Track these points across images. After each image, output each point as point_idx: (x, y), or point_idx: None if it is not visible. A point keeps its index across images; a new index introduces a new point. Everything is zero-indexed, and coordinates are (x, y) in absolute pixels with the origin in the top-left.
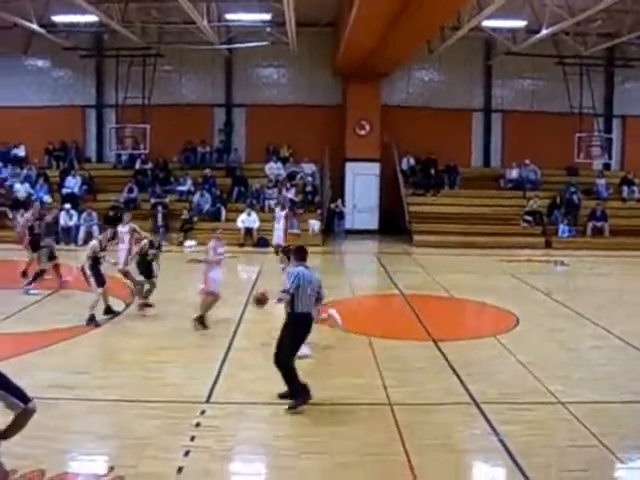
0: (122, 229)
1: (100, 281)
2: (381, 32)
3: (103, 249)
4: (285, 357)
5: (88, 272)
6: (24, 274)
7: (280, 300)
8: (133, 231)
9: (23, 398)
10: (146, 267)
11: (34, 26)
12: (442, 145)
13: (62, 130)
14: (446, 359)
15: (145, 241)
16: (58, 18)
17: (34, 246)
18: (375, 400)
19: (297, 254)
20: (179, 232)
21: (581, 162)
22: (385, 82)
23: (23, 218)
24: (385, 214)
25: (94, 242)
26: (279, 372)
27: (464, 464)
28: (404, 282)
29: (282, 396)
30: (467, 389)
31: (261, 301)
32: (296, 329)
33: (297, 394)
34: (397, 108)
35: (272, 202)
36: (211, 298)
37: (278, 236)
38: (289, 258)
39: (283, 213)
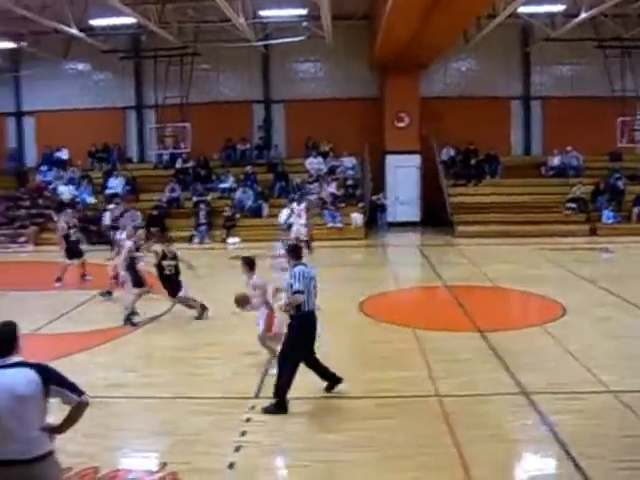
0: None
1: (138, 282)
2: (417, 23)
3: (137, 249)
4: (287, 359)
5: (122, 273)
6: (59, 279)
7: (289, 305)
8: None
9: (77, 392)
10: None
11: (73, 30)
12: (481, 134)
13: (104, 132)
14: (493, 350)
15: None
16: (96, 22)
17: (70, 254)
18: (423, 392)
19: (293, 253)
20: (222, 229)
21: (624, 146)
22: (422, 74)
23: (59, 224)
24: (426, 206)
25: (128, 243)
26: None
27: (515, 454)
28: (448, 273)
29: (328, 388)
30: (516, 379)
31: (242, 302)
32: (303, 329)
33: (280, 401)
34: (435, 99)
35: (313, 197)
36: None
37: (297, 230)
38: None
39: (302, 207)
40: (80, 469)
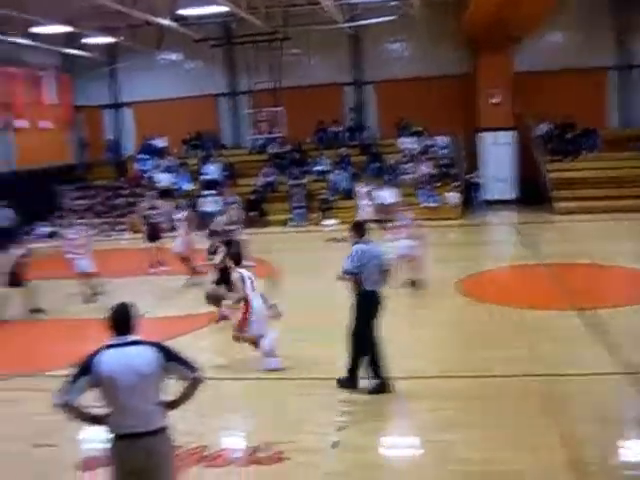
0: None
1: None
2: None
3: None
4: (355, 336)
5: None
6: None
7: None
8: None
9: (192, 369)
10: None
11: (166, 21)
12: (578, 107)
13: (198, 119)
14: (595, 328)
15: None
16: (187, 12)
17: (149, 236)
18: (524, 372)
19: (355, 231)
20: (318, 212)
21: None
22: (515, 48)
23: (140, 205)
24: (522, 183)
25: (221, 218)
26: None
27: (623, 435)
28: (547, 251)
29: (373, 391)
30: (619, 358)
31: (213, 298)
32: (364, 308)
33: (350, 377)
34: (528, 74)
35: (407, 177)
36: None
37: (363, 210)
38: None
39: (364, 190)
40: (189, 447)
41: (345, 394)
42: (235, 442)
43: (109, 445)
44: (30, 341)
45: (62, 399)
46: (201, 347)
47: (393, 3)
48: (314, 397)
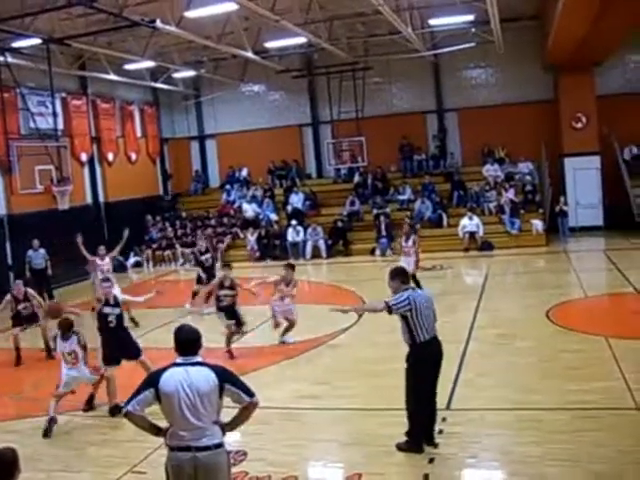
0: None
1: None
2: (592, 19)
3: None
4: (408, 398)
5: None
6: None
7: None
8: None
9: (249, 393)
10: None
11: (249, 54)
12: None
13: (282, 149)
14: None
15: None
16: (270, 44)
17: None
18: (622, 404)
19: (399, 277)
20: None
21: None
22: (597, 71)
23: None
24: (610, 208)
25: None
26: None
27: None
28: (639, 279)
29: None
30: None
31: (53, 312)
32: (418, 362)
33: (414, 439)
34: (613, 96)
35: (491, 205)
36: None
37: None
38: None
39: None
40: (280, 478)
41: (440, 426)
42: (325, 473)
43: (167, 455)
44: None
45: (127, 407)
46: (287, 377)
47: (473, 30)
48: (403, 428)
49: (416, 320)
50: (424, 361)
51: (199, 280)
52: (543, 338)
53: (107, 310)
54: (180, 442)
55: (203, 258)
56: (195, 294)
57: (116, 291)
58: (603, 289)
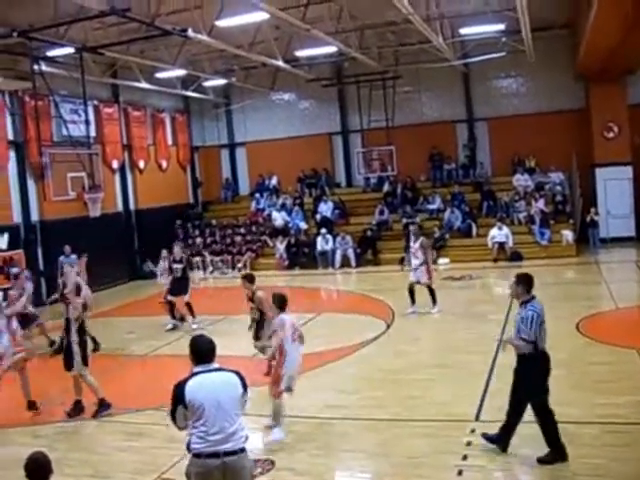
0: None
1: None
2: (624, 28)
3: None
4: (535, 401)
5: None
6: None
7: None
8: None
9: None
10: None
11: (279, 63)
12: None
13: (311, 158)
14: None
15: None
16: (300, 53)
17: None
18: None
19: (525, 284)
20: (432, 250)
21: None
22: (630, 80)
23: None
24: None
25: None
26: (538, 421)
27: None
28: None
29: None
30: None
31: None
32: (537, 369)
33: (553, 446)
34: None
35: (521, 215)
36: None
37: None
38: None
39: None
40: None
41: (469, 437)
42: None
43: (192, 462)
44: (153, 375)
45: (178, 425)
46: (320, 385)
47: (504, 39)
48: (431, 439)
49: (541, 328)
50: (545, 370)
51: (172, 291)
52: (573, 350)
53: None
54: (208, 447)
55: (174, 267)
56: (172, 305)
57: None
58: (634, 301)
